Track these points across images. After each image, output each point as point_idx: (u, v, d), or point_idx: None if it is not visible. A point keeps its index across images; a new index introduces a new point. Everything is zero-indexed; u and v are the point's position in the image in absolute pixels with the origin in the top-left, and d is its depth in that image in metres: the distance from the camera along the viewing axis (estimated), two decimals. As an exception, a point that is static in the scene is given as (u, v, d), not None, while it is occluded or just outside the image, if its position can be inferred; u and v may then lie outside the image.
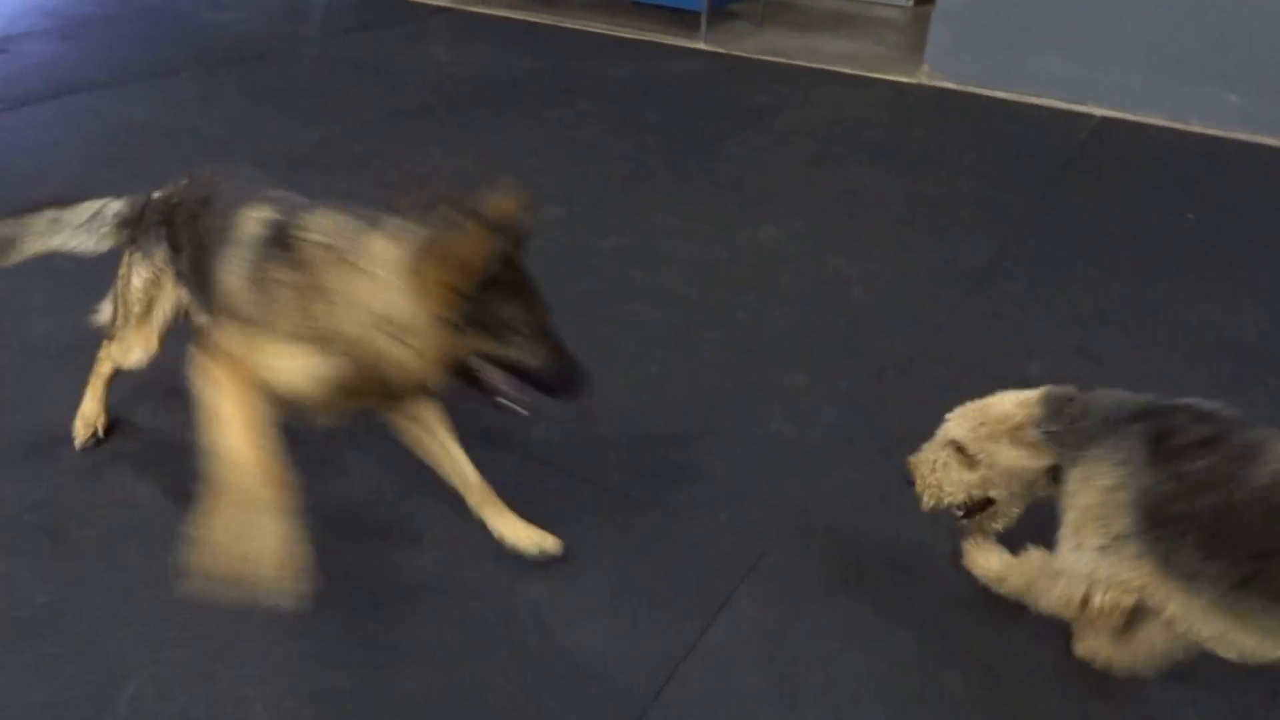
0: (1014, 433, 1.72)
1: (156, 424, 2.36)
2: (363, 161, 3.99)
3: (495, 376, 1.69)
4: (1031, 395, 1.75)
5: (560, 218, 3.54)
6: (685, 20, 6.08)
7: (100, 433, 2.28)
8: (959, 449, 1.79)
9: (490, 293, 1.61)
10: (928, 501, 1.87)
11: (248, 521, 1.61)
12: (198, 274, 1.94)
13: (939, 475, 1.83)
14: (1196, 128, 4.85)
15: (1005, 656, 1.86)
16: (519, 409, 1.72)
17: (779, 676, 1.80)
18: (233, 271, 1.79)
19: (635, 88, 5.12)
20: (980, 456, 1.77)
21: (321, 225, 1.72)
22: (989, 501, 1.85)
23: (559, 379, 1.70)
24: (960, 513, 1.88)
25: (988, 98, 5.22)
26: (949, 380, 2.65)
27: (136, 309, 2.11)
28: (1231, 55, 4.78)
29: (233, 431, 1.68)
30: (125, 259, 2.13)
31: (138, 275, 2.10)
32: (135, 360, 2.15)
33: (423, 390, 1.82)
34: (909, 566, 2.07)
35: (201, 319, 1.99)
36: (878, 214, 3.77)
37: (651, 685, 1.76)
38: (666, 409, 2.54)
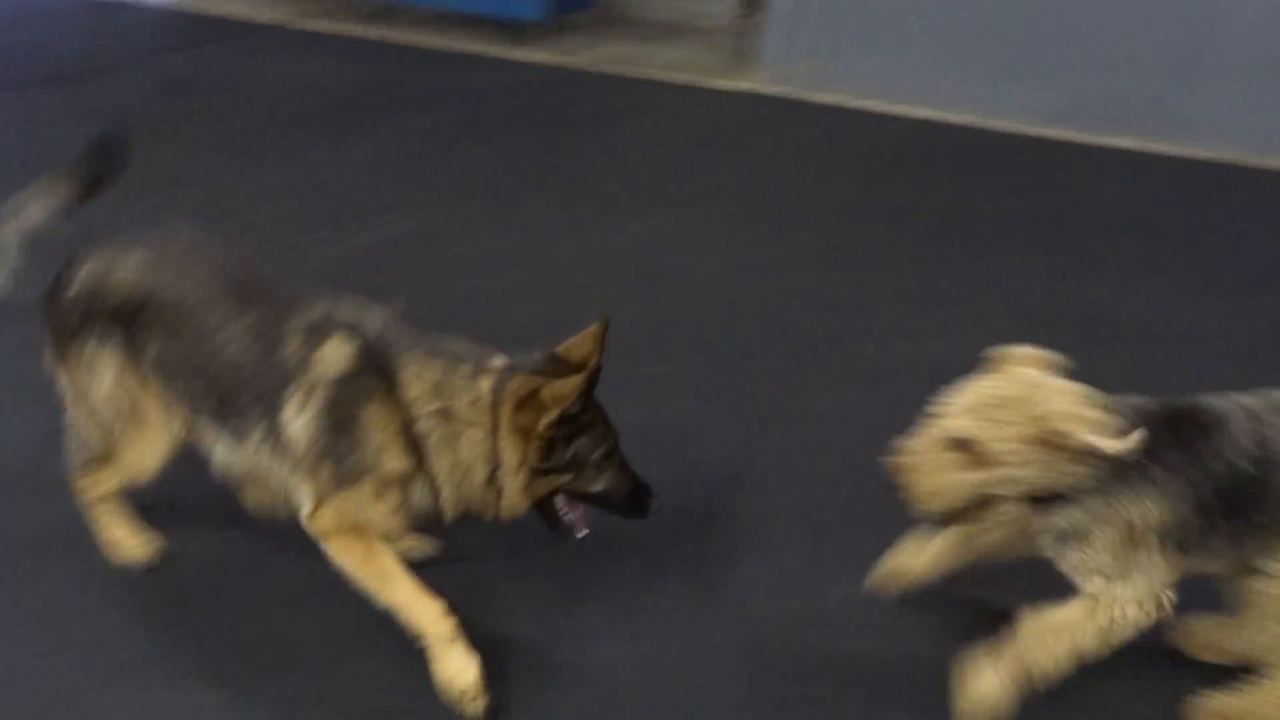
0: (1056, 437, 1.51)
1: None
2: (195, 182, 3.87)
3: (570, 506, 1.77)
4: (1070, 389, 1.55)
5: (409, 230, 3.54)
6: (520, 32, 6.14)
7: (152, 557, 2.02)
8: (961, 445, 1.56)
9: (572, 428, 1.67)
10: (924, 508, 1.62)
11: (451, 655, 1.69)
12: (225, 397, 1.78)
13: (937, 479, 1.58)
14: (1002, 123, 5.24)
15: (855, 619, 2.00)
16: (581, 531, 1.79)
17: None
18: (312, 414, 1.70)
19: (475, 99, 5.15)
20: (1000, 454, 1.54)
21: (417, 366, 1.70)
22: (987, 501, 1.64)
23: (632, 502, 1.77)
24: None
25: (816, 101, 5.49)
26: (794, 363, 2.82)
27: (117, 413, 1.86)
28: (1036, 56, 5.19)
29: (394, 587, 1.72)
30: (62, 366, 1.86)
31: (100, 375, 1.83)
32: (147, 468, 1.91)
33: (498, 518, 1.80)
34: (763, 539, 2.19)
35: (240, 460, 1.84)
36: (719, 212, 3.93)
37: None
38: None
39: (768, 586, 2.06)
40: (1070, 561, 1.64)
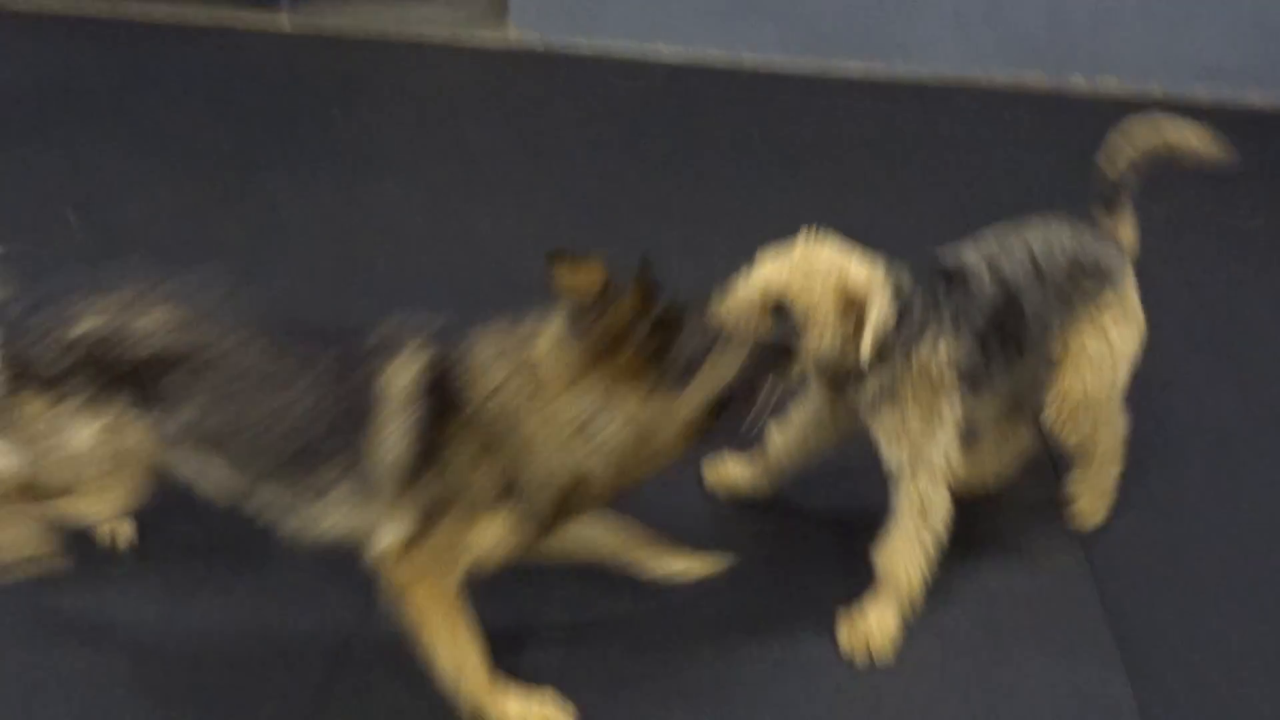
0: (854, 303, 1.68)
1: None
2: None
3: (748, 400, 1.59)
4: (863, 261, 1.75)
5: (177, 211, 3.45)
6: (264, 2, 5.93)
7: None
8: (777, 305, 1.71)
9: (668, 335, 1.51)
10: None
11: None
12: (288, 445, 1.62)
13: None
14: (747, 57, 5.59)
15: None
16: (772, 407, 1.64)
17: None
18: (396, 442, 1.55)
19: (224, 73, 4.98)
20: (810, 315, 1.70)
21: (486, 359, 1.57)
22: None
23: (765, 360, 1.61)
24: None
25: (572, 52, 5.65)
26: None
27: (77, 471, 1.67)
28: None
29: (450, 652, 1.64)
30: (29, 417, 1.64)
31: (75, 431, 1.63)
32: (99, 512, 1.75)
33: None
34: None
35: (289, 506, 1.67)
36: (490, 166, 4.05)
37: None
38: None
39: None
40: (886, 426, 1.89)
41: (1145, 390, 2.24)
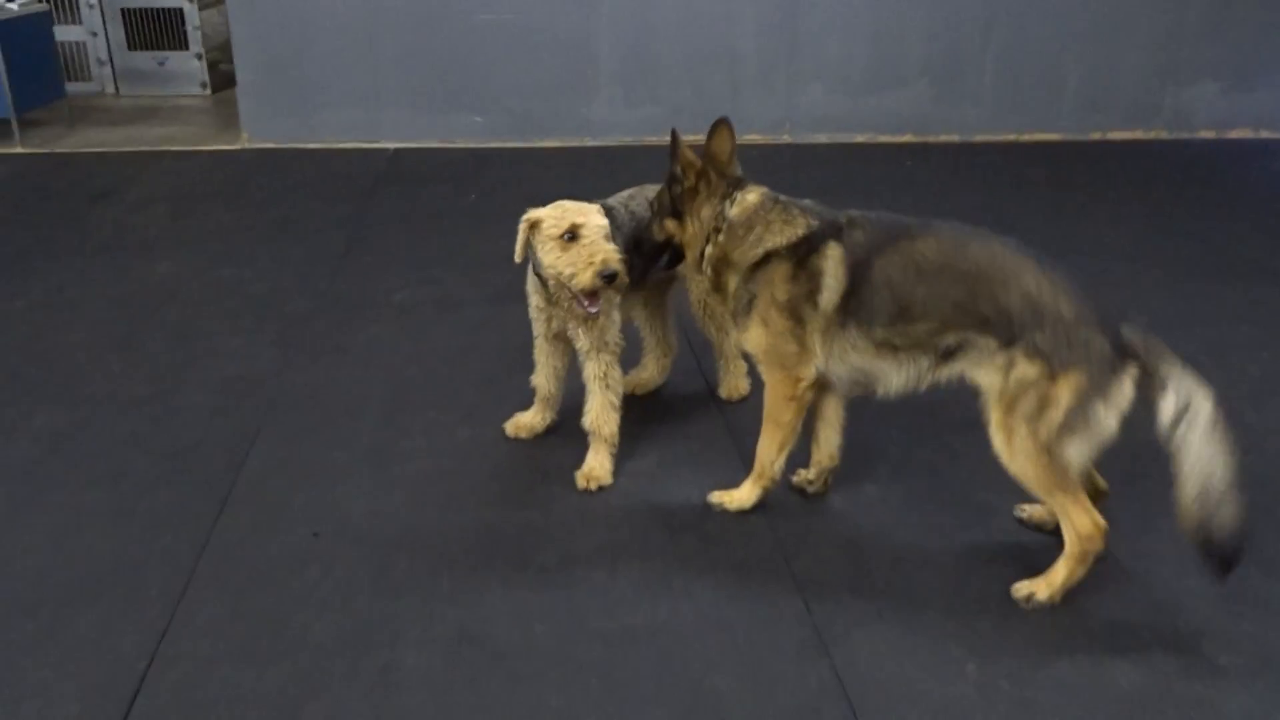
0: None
1: None
2: None
3: None
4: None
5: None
6: (-10, 130, 6.27)
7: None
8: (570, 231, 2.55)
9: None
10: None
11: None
12: None
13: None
14: (456, 143, 6.60)
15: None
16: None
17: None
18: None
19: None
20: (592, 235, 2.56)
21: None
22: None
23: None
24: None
25: (302, 149, 6.40)
26: (343, 318, 3.80)
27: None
28: (475, 90, 6.59)
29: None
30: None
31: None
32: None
33: None
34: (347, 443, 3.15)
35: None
36: (244, 239, 4.70)
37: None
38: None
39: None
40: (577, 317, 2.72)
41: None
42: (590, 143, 6.72)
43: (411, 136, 6.59)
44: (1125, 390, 2.17)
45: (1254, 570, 2.39)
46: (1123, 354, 2.18)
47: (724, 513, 2.67)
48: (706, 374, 3.42)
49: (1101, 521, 2.28)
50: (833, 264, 2.40)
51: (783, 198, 2.57)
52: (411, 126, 6.59)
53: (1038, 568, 2.41)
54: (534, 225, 2.64)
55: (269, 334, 3.68)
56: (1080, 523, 2.27)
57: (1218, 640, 2.24)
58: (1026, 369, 2.22)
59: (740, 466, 2.83)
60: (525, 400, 3.06)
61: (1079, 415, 2.18)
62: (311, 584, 2.38)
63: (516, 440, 3.02)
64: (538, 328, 2.87)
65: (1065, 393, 2.18)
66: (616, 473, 2.83)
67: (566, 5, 6.46)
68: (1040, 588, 2.33)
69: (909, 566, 2.48)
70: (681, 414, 3.22)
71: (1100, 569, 2.36)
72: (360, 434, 3.03)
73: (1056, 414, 2.19)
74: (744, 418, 3.14)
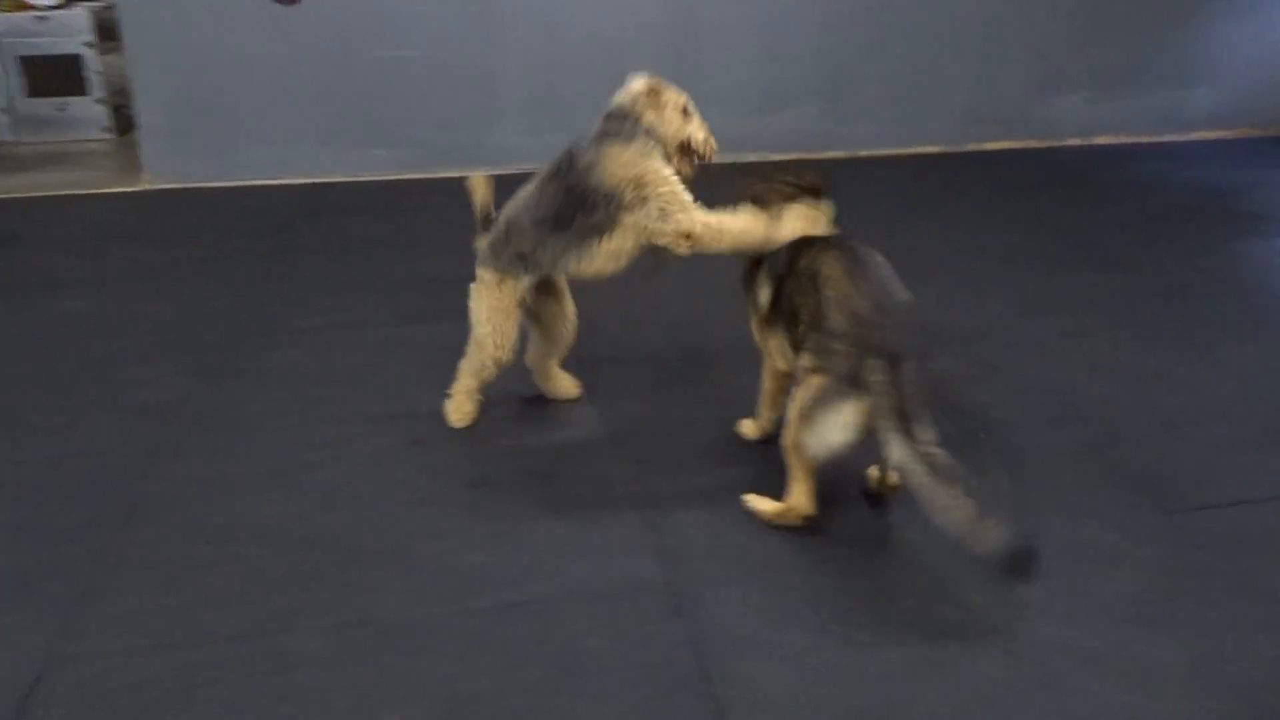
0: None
1: None
2: None
3: None
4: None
5: None
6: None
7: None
8: None
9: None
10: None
11: None
12: None
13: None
14: (368, 176, 6.79)
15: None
16: None
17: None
18: None
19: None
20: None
21: None
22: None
23: None
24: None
25: (211, 188, 6.54)
26: (255, 344, 3.98)
27: None
28: (381, 123, 6.79)
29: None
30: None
31: None
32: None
33: None
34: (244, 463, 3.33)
35: None
36: (154, 276, 4.83)
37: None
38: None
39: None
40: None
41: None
42: (499, 171, 6.89)
43: (322, 172, 6.76)
44: (845, 415, 2.46)
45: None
46: (854, 384, 2.44)
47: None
48: (580, 373, 3.67)
49: (808, 509, 2.71)
50: (764, 272, 2.90)
51: None
52: (322, 162, 6.77)
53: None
54: (654, 92, 2.89)
55: (180, 362, 3.83)
56: (795, 495, 2.72)
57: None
58: (805, 360, 2.64)
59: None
60: (428, 411, 3.33)
61: (811, 412, 2.55)
62: (212, 584, 2.56)
63: (417, 445, 3.23)
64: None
65: (811, 388, 2.56)
66: (504, 474, 3.06)
67: (469, 39, 6.71)
68: (761, 504, 2.79)
69: (766, 535, 2.74)
70: (558, 417, 3.46)
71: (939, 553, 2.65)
72: (268, 450, 3.21)
73: (803, 401, 2.59)
74: (624, 420, 3.40)
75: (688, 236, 2.79)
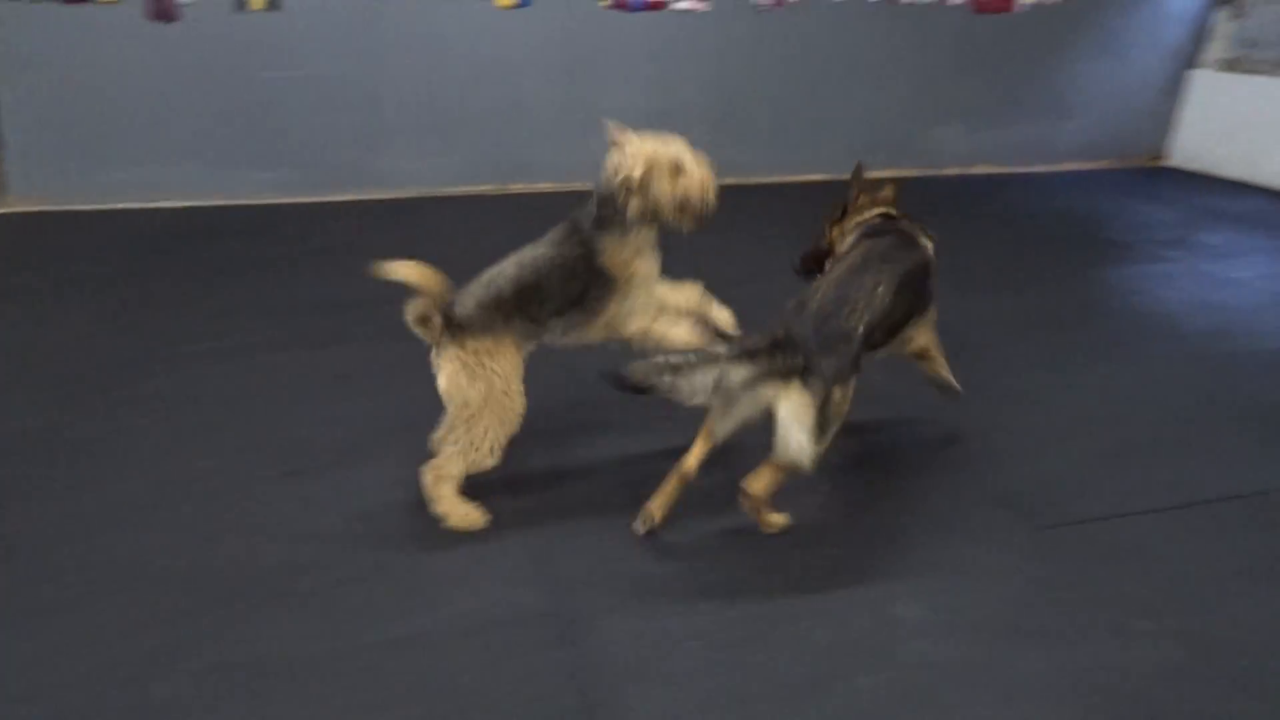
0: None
1: None
2: None
3: None
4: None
5: None
6: None
7: None
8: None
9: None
10: None
11: None
12: None
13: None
14: (248, 200, 6.59)
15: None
16: None
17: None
18: None
19: None
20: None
21: None
22: None
23: None
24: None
25: (82, 210, 6.25)
26: (126, 372, 3.80)
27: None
28: (261, 144, 6.60)
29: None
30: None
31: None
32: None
33: None
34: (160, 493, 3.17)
35: None
36: (16, 303, 4.60)
37: None
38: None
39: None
40: None
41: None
42: (383, 195, 6.87)
43: (201, 195, 6.55)
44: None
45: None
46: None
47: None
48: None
49: (690, 468, 2.83)
50: None
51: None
52: (200, 184, 6.56)
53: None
54: (642, 177, 2.79)
55: (44, 393, 3.64)
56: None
57: (903, 599, 2.59)
58: None
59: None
60: (307, 440, 3.19)
61: None
62: (73, 628, 2.42)
63: (294, 476, 3.13)
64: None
65: None
66: (387, 505, 2.99)
67: (354, 60, 6.61)
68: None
69: (654, 561, 2.74)
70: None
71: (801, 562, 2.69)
72: (135, 483, 3.07)
73: None
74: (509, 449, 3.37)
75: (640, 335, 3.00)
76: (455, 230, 6.03)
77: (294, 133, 6.65)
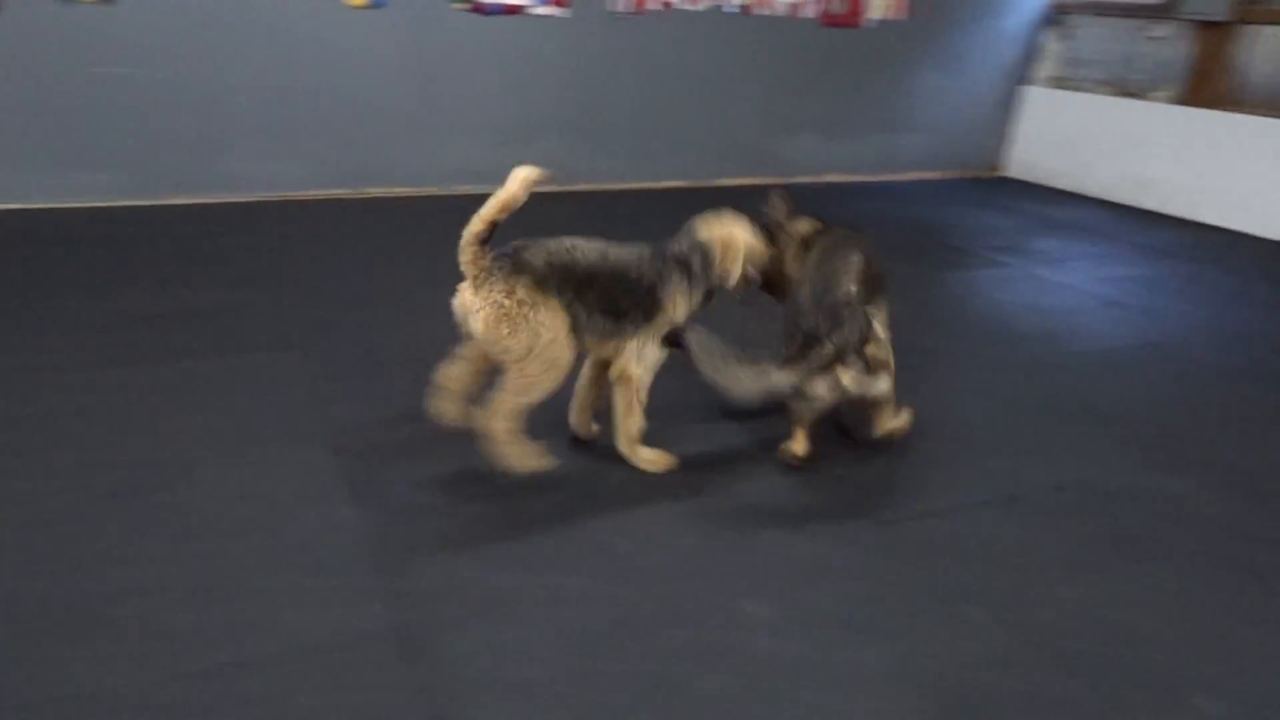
0: None
1: None
2: None
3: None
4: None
5: None
6: None
7: None
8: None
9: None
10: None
11: None
12: None
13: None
14: (74, 203, 6.20)
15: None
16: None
17: None
18: None
19: None
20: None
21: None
22: None
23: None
24: None
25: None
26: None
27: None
28: (91, 144, 6.21)
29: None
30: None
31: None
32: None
33: None
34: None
35: None
36: None
37: None
38: None
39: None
40: None
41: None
42: (228, 198, 6.57)
43: (16, 199, 6.11)
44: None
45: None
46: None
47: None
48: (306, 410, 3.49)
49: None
50: None
51: None
52: (17, 188, 6.11)
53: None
54: (729, 249, 3.13)
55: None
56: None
57: (757, 597, 2.63)
58: None
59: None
60: (128, 460, 3.00)
61: None
62: None
63: (114, 498, 2.94)
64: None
65: None
66: (217, 524, 2.84)
67: (195, 59, 6.30)
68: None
69: (503, 571, 2.69)
70: (281, 459, 3.27)
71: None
72: (-68, 510, 2.82)
73: None
74: (354, 459, 3.25)
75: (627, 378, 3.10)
76: (306, 236, 5.83)
77: (128, 133, 6.29)
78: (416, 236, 5.91)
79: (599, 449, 3.33)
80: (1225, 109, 7.56)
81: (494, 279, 2.75)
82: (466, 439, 3.36)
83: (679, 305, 3.07)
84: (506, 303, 2.74)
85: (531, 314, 2.76)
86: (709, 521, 2.99)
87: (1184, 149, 7.71)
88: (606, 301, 2.92)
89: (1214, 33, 7.61)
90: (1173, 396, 4.15)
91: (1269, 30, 7.31)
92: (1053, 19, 8.86)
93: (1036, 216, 7.55)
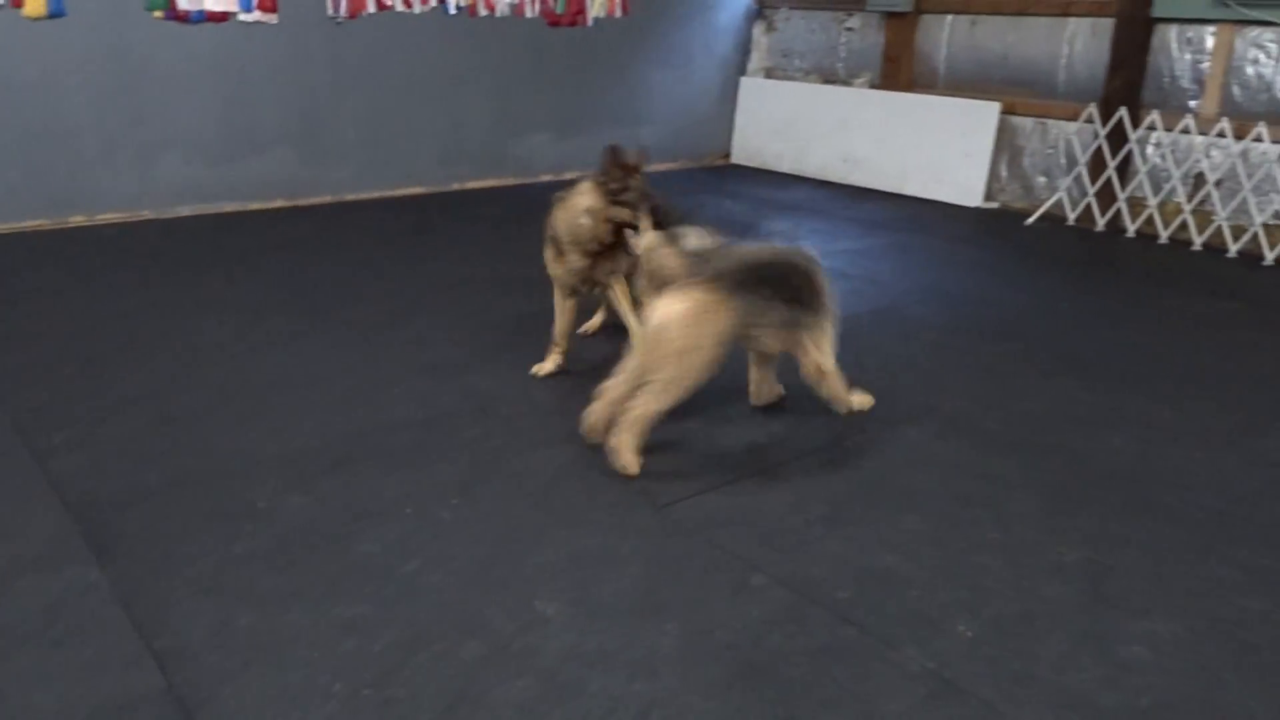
0: None
1: None
2: None
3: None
4: None
5: None
6: None
7: None
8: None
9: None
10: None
11: None
12: None
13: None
14: None
15: None
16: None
17: None
18: None
19: None
20: None
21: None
22: None
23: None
24: None
25: None
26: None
27: None
28: None
29: None
30: None
31: None
32: None
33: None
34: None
35: None
36: None
37: None
38: None
39: None
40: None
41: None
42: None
43: None
44: None
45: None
46: None
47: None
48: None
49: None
50: None
51: None
52: None
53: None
54: None
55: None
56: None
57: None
58: None
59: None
60: None
61: None
62: None
63: None
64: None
65: None
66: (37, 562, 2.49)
67: None
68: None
69: (278, 609, 2.53)
70: (5, 518, 2.92)
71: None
72: None
73: None
74: (92, 506, 2.95)
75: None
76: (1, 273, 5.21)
77: None
78: (130, 265, 5.42)
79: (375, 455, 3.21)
80: (915, 91, 8.35)
81: (691, 282, 3.21)
82: (215, 474, 3.14)
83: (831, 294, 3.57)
84: (692, 305, 3.16)
85: (703, 318, 3.17)
86: (490, 528, 2.95)
87: (883, 129, 8.43)
88: (778, 288, 3.38)
89: (899, 22, 8.37)
90: (901, 354, 4.54)
91: (948, 18, 8.13)
92: (759, 13, 9.42)
93: (764, 200, 8.01)
